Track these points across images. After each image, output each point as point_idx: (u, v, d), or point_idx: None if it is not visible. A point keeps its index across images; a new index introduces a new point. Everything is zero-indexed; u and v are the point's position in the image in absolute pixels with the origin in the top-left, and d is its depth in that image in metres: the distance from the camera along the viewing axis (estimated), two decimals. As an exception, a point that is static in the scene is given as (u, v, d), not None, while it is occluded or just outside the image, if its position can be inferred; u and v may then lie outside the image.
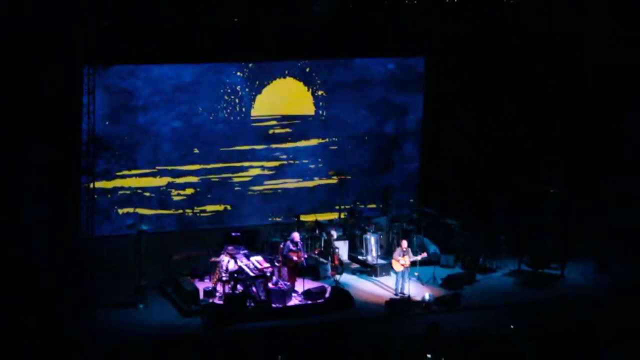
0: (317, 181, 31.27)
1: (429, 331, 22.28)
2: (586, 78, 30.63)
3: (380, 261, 27.56)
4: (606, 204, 30.01)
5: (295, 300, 25.21)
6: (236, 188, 30.51)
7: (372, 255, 27.89)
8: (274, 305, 24.77)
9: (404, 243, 26.18)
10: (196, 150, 29.92)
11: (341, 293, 25.54)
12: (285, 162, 30.88)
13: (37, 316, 23.50)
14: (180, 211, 30.01)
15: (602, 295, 26.10)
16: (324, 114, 31.09)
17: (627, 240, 28.80)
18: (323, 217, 29.93)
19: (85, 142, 27.92)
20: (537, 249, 27.85)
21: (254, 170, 30.63)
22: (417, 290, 25.97)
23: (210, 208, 30.33)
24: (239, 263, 24.96)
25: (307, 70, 30.74)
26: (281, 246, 26.08)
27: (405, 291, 25.84)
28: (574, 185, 29.83)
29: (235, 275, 24.88)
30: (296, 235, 26.05)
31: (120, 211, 29.33)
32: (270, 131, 30.67)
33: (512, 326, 23.19)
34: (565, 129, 30.85)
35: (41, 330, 22.80)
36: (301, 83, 30.82)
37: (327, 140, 31.24)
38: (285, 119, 30.81)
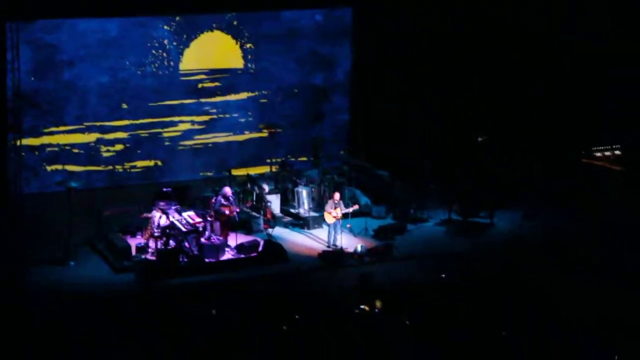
0: (247, 135, 31.18)
1: (362, 282, 22.45)
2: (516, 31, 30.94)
3: (312, 214, 27.65)
4: (533, 151, 30.42)
5: (228, 255, 25.22)
6: (166, 143, 30.29)
7: (304, 208, 27.96)
8: (207, 260, 24.75)
9: (336, 195, 26.27)
10: (125, 106, 29.61)
11: (274, 246, 25.59)
12: (215, 116, 30.73)
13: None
14: (110, 167, 29.75)
15: (530, 242, 26.49)
16: (253, 67, 30.94)
17: (554, 187, 29.24)
18: (254, 171, 29.90)
19: (10, 99, 27.44)
20: (467, 198, 28.14)
21: (184, 125, 30.43)
22: (349, 242, 26.13)
23: (140, 164, 30.11)
24: (171, 218, 24.86)
25: (235, 23, 30.52)
26: (213, 201, 26.00)
27: (338, 243, 25.99)
28: (503, 133, 30.11)
29: (168, 230, 24.78)
30: (228, 190, 25.99)
31: (48, 168, 28.99)
32: (200, 85, 30.45)
33: (442, 275, 23.45)
34: (493, 75, 31.04)
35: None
36: (229, 36, 30.60)
37: (256, 93, 31.12)
38: (214, 73, 30.60)
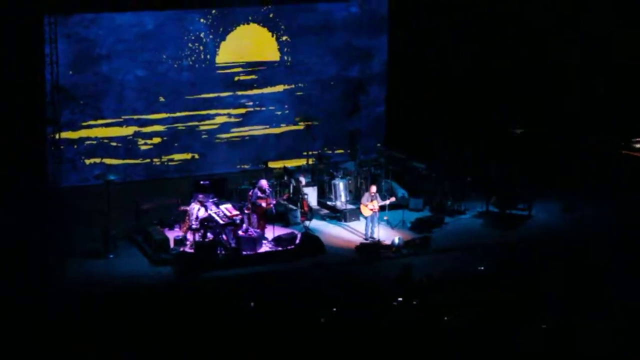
0: (284, 127, 31.21)
1: (401, 274, 22.38)
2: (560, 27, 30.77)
3: (350, 206, 27.61)
4: (573, 145, 30.24)
5: (265, 247, 25.24)
6: (203, 136, 30.39)
7: (341, 200, 27.93)
8: (244, 253, 24.78)
9: (373, 188, 26.21)
10: (162, 99, 29.73)
11: (311, 239, 25.57)
12: (251, 109, 30.77)
13: (6, 267, 23.39)
14: (148, 160, 29.89)
15: (570, 235, 26.32)
16: (289, 59, 30.94)
17: (594, 181, 29.03)
18: (291, 163, 29.95)
19: (49, 92, 27.64)
20: (505, 190, 27.99)
21: (221, 117, 30.51)
22: (386, 234, 26.05)
23: (177, 157, 30.22)
24: (209, 211, 24.91)
25: (271, 15, 30.54)
26: (250, 193, 26.04)
27: (375, 235, 25.93)
28: (541, 127, 29.96)
29: (205, 223, 24.84)
30: (264, 182, 26.00)
31: (87, 161, 29.17)
32: (236, 78, 30.51)
33: (481, 267, 23.34)
34: (532, 67, 30.91)
35: (10, 282, 22.70)
36: (265, 29, 30.62)
37: (293, 86, 31.13)
38: (250, 66, 30.64)
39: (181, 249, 24.80)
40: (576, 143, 30.34)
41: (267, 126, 31.02)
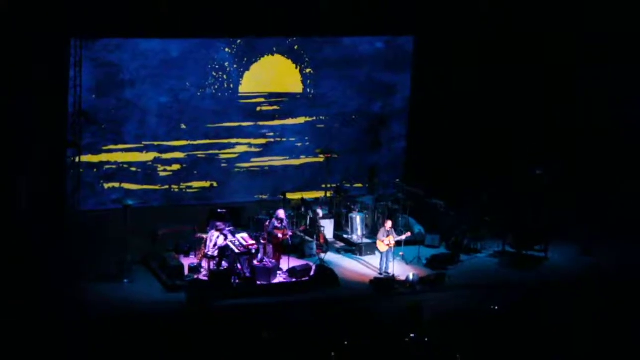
0: (303, 159, 31.26)
1: (411, 311, 22.34)
2: (584, 66, 30.73)
3: (366, 240, 27.58)
4: (592, 188, 30.17)
5: (280, 278, 25.23)
6: (222, 165, 30.48)
7: (358, 234, 27.91)
8: (258, 282, 24.78)
9: (388, 223, 26.19)
10: (183, 126, 29.85)
11: (326, 271, 25.55)
12: (272, 140, 30.85)
13: (22, 290, 23.45)
14: (166, 187, 29.98)
15: (585, 279, 26.18)
16: (312, 92, 31.04)
17: (611, 224, 28.91)
18: (309, 195, 29.97)
19: (71, 116, 27.79)
20: (522, 231, 27.90)
21: (241, 147, 30.59)
22: (401, 270, 26.00)
23: (196, 184, 30.31)
24: (227, 240, 24.94)
25: (296, 47, 30.67)
26: (267, 224, 26.07)
27: (390, 270, 25.90)
28: (560, 168, 29.89)
29: (223, 252, 24.87)
30: (282, 213, 26.03)
31: (106, 185, 29.27)
32: (258, 108, 30.62)
33: (495, 307, 23.23)
34: (553, 113, 30.94)
35: (26, 304, 22.75)
36: (289, 60, 30.75)
37: (314, 118, 31.21)
38: (273, 97, 30.75)
39: (195, 277, 24.82)
40: (595, 185, 30.25)
41: (287, 157, 31.09)
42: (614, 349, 21.09)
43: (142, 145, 29.54)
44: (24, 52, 26.33)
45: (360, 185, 31.37)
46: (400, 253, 26.56)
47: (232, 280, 24.59)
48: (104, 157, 29.18)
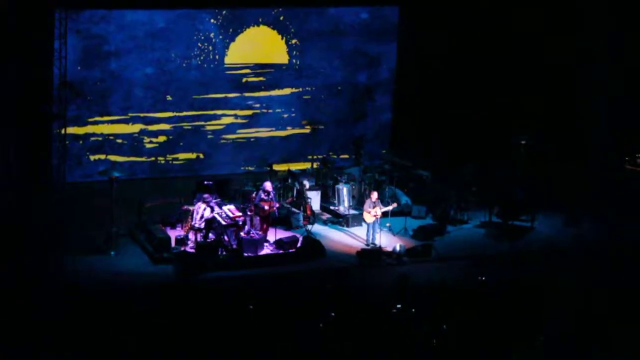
0: (290, 130, 31.23)
1: (398, 283, 22.42)
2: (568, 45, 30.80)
3: (352, 211, 27.62)
4: (577, 156, 30.25)
5: (267, 250, 25.27)
6: (209, 136, 30.42)
7: (344, 205, 27.95)
8: (245, 254, 24.81)
9: (374, 194, 26.24)
10: (169, 97, 29.77)
11: (313, 243, 25.59)
12: (258, 111, 30.81)
13: (7, 262, 23.43)
14: (153, 158, 29.93)
15: (570, 249, 26.31)
16: (298, 63, 30.97)
17: (597, 194, 29.01)
18: (296, 166, 29.95)
19: (56, 88, 27.67)
20: (508, 201, 27.98)
21: (227, 118, 30.54)
22: (388, 241, 26.07)
23: (182, 156, 30.26)
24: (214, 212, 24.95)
25: (281, 18, 30.56)
26: (253, 195, 26.07)
27: (377, 242, 25.95)
28: (546, 137, 29.94)
29: (209, 223, 24.87)
30: (268, 185, 26.02)
31: (92, 157, 29.21)
32: (244, 79, 30.54)
33: (482, 278, 23.32)
34: (538, 83, 30.95)
35: (12, 277, 22.74)
36: (275, 31, 30.65)
37: (300, 89, 31.16)
38: (259, 67, 30.68)
39: (182, 249, 24.83)
40: (581, 156, 30.33)
41: (273, 128, 31.06)
42: (600, 317, 21.20)
43: (128, 117, 29.46)
44: (7, 24, 26.15)
45: (346, 156, 31.37)
46: (387, 224, 26.60)
47: (219, 252, 24.61)
48: (89, 129, 29.10)
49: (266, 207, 25.68)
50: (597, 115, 30.89)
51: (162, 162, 30.04)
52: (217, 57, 30.07)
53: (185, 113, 30.04)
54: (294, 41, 30.81)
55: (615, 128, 30.51)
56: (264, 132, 30.97)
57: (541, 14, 30.59)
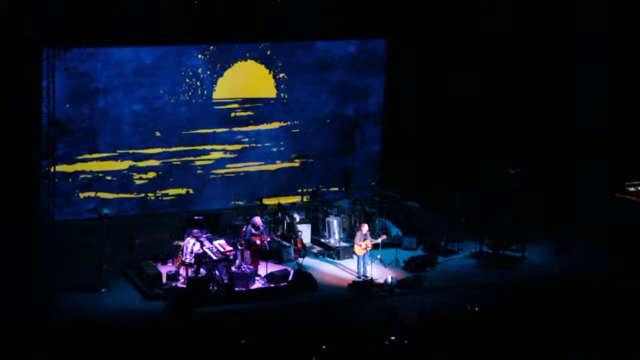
0: (279, 164, 31.26)
1: (387, 315, 22.41)
2: (556, 62, 30.94)
3: (343, 244, 27.61)
4: (566, 186, 30.32)
5: (258, 284, 25.21)
6: (198, 171, 30.44)
7: (335, 238, 27.93)
8: (237, 289, 24.75)
9: (364, 227, 26.25)
10: (158, 134, 29.80)
11: (304, 276, 25.55)
12: (247, 146, 30.84)
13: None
14: (142, 195, 29.90)
15: (560, 277, 26.31)
16: (286, 96, 31.05)
17: (586, 222, 29.05)
18: (285, 200, 29.94)
19: (45, 126, 27.67)
20: (498, 231, 28.00)
21: (216, 153, 30.56)
22: (379, 273, 26.05)
23: (172, 192, 30.25)
24: (204, 247, 24.90)
25: (268, 52, 30.67)
26: (244, 230, 26.04)
27: (368, 274, 25.92)
28: (534, 167, 30.01)
29: (200, 258, 24.82)
30: (258, 219, 26.01)
31: (81, 195, 29.18)
32: (232, 114, 30.60)
33: (469, 307, 23.26)
34: (528, 111, 31.06)
35: (1, 315, 22.65)
36: (262, 66, 30.75)
37: (288, 123, 31.22)
38: (247, 102, 30.75)
39: (173, 284, 24.76)
40: (571, 185, 30.40)
41: (262, 162, 31.08)
42: (593, 345, 21.18)
43: (117, 154, 29.46)
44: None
45: (336, 189, 31.39)
46: (378, 256, 26.59)
47: (210, 287, 24.55)
48: (79, 167, 29.08)
49: (257, 241, 25.65)
50: (587, 143, 30.98)
51: (152, 198, 30.02)
52: (205, 92, 30.14)
53: (174, 149, 30.06)
54: (281, 75, 30.91)
55: (605, 157, 30.61)
56: (253, 167, 30.99)
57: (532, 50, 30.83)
